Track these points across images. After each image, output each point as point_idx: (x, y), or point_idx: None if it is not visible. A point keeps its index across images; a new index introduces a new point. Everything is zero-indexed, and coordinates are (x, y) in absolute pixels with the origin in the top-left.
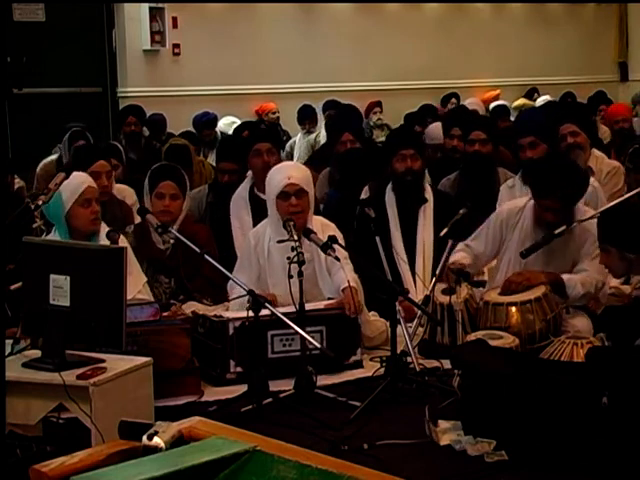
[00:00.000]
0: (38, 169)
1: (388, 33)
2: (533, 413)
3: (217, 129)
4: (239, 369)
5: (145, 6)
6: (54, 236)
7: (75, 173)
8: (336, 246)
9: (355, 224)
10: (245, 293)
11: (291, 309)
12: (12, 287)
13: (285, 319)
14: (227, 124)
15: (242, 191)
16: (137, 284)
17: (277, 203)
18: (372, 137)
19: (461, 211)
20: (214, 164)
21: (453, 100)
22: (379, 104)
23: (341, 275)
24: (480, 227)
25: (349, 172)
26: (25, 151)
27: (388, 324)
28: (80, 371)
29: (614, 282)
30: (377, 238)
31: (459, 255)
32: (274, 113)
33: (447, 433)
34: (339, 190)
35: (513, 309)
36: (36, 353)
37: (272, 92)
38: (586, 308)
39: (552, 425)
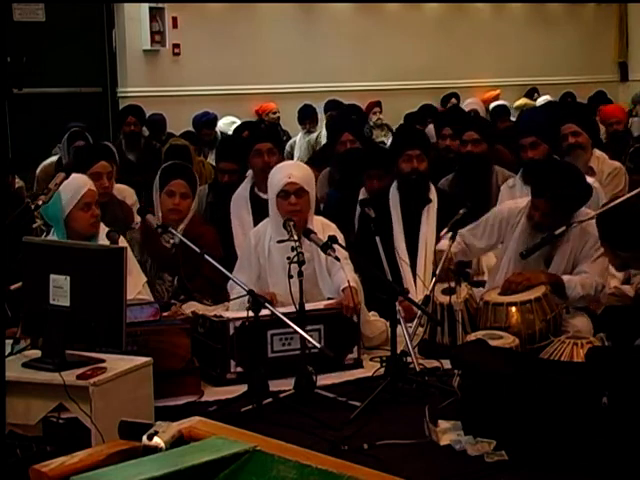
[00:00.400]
0: (38, 171)
1: (388, 33)
2: (533, 413)
3: (217, 129)
4: (239, 369)
5: (145, 6)
6: (53, 237)
7: (75, 175)
8: (336, 246)
9: (357, 224)
10: (245, 293)
11: (291, 309)
12: (12, 287)
13: (285, 319)
14: (227, 124)
15: (242, 191)
16: (137, 284)
17: (277, 202)
18: (372, 137)
19: (461, 211)
20: (214, 164)
21: (453, 100)
22: (379, 104)
23: (341, 275)
24: (478, 220)
25: (349, 172)
26: (25, 151)
27: (388, 324)
28: (80, 371)
29: (614, 282)
30: (377, 238)
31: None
32: (274, 113)
33: (447, 433)
34: (339, 190)
35: (513, 309)
36: (36, 353)
37: (272, 92)
38: (586, 308)
39: (552, 425)
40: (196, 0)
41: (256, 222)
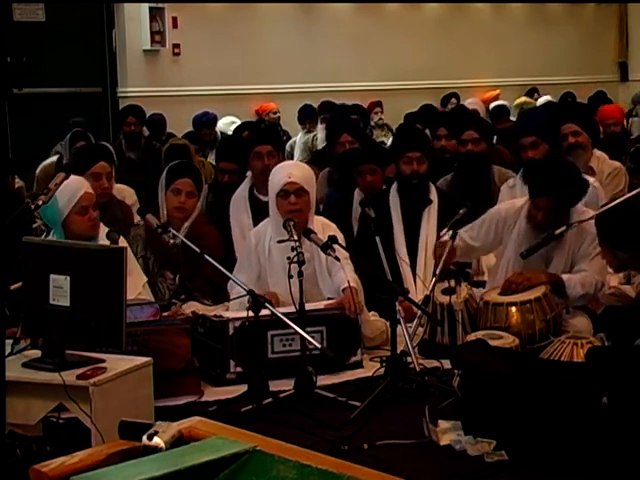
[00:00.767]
0: (38, 171)
1: (388, 33)
2: (533, 413)
3: (217, 129)
4: (239, 369)
5: (145, 6)
6: (53, 237)
7: (71, 178)
8: (336, 246)
9: (357, 224)
10: (245, 293)
11: (291, 309)
12: (12, 287)
13: (285, 319)
14: (227, 124)
15: (242, 192)
16: (137, 285)
17: (277, 202)
18: (372, 137)
19: (461, 211)
20: (214, 164)
21: (453, 100)
22: (379, 104)
23: (341, 275)
24: (475, 221)
25: (348, 172)
26: (25, 151)
27: (388, 324)
28: (80, 371)
29: (614, 282)
30: (377, 238)
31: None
32: (274, 113)
33: (447, 433)
34: (338, 190)
35: (513, 309)
36: (36, 353)
37: (272, 92)
38: (586, 308)
39: (552, 425)
40: (196, 0)
41: (256, 224)
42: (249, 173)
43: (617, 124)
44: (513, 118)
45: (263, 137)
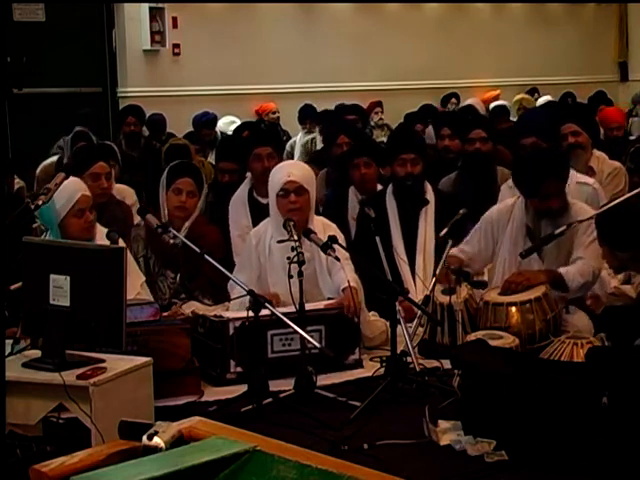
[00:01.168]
0: (38, 171)
1: (388, 33)
2: (533, 413)
3: (217, 129)
4: (239, 369)
5: (145, 6)
6: (49, 238)
7: (69, 180)
8: (336, 246)
9: (356, 224)
10: (245, 293)
11: (291, 309)
12: (12, 287)
13: (285, 319)
14: (226, 123)
15: (241, 193)
16: (135, 285)
17: (277, 201)
18: (372, 137)
19: (461, 211)
20: (214, 164)
21: (453, 100)
22: (380, 104)
23: (341, 275)
24: (472, 230)
25: (345, 172)
26: (25, 151)
27: (388, 324)
28: (80, 371)
29: (614, 282)
30: (377, 238)
31: (454, 259)
32: (274, 113)
33: (447, 433)
34: (336, 189)
35: (513, 309)
36: (36, 353)
37: (272, 92)
38: (586, 308)
39: (552, 425)
40: (196, 0)
41: (255, 226)
42: (249, 174)
43: (620, 128)
44: (513, 118)
45: (263, 138)
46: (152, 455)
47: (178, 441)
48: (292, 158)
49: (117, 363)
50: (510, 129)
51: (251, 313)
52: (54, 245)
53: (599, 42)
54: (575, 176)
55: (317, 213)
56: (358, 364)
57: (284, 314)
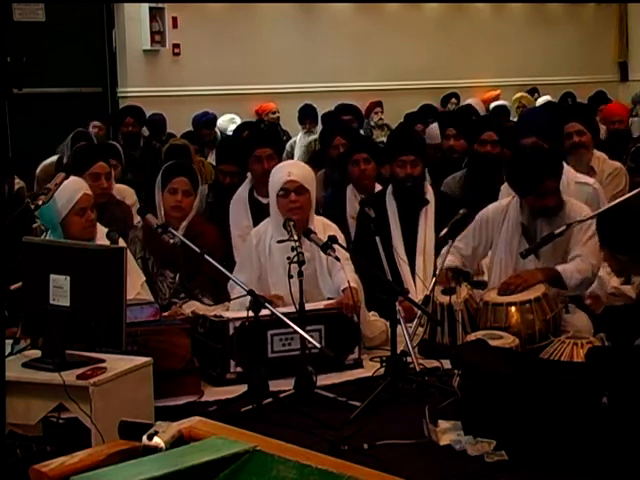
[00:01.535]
0: (38, 171)
1: (388, 33)
2: (533, 413)
3: (217, 128)
4: (239, 369)
5: (145, 6)
6: (50, 238)
7: (71, 179)
8: (336, 246)
9: (357, 223)
10: (245, 293)
11: (291, 309)
12: (12, 287)
13: (285, 319)
14: (226, 121)
15: (242, 193)
16: (135, 285)
17: (277, 201)
18: (372, 137)
19: (461, 211)
20: (214, 163)
21: (453, 100)
22: (380, 104)
23: (341, 275)
24: (466, 229)
25: (344, 172)
26: (25, 151)
27: (388, 324)
28: (80, 371)
29: (614, 282)
30: (377, 238)
31: (448, 259)
32: (274, 113)
33: (447, 433)
34: (335, 189)
35: (513, 309)
36: (36, 353)
37: (272, 92)
38: (586, 308)
39: (552, 425)
40: (196, 0)
41: (255, 226)
42: (249, 174)
43: (622, 121)
44: (513, 118)
45: (263, 139)
46: (152, 455)
47: (178, 441)
48: (292, 158)
49: (117, 363)
50: (510, 129)
51: (251, 313)
52: (54, 245)
53: (599, 42)
54: (575, 176)
55: (317, 214)
56: (358, 364)
57: (284, 314)
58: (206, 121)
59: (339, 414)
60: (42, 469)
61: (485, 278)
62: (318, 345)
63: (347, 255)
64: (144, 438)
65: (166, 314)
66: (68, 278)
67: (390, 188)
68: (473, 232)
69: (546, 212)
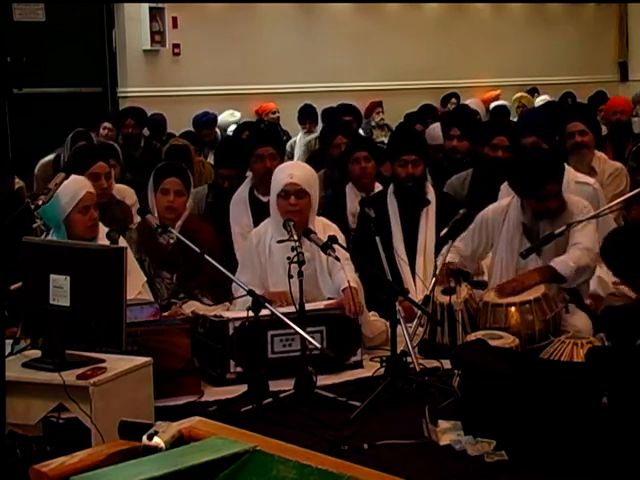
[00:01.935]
0: (36, 170)
1: (388, 33)
2: (533, 413)
3: (217, 126)
4: (239, 369)
5: (145, 6)
6: (53, 237)
7: (73, 178)
8: (337, 246)
9: (357, 223)
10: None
11: (291, 309)
12: (12, 287)
13: (285, 319)
14: (226, 115)
15: (242, 192)
16: (136, 285)
17: (278, 202)
18: (372, 137)
19: (461, 211)
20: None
21: (453, 100)
22: (380, 104)
23: (341, 276)
24: (467, 229)
25: (344, 171)
26: (25, 151)
27: (388, 324)
28: (80, 371)
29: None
30: (377, 238)
31: (448, 257)
32: (274, 113)
33: (447, 433)
34: (335, 189)
35: (512, 309)
36: (36, 353)
37: (272, 92)
38: (586, 308)
39: (552, 425)
40: (196, 0)
41: (256, 225)
42: (249, 173)
43: (624, 113)
44: (513, 118)
45: (264, 139)
46: (152, 455)
47: (178, 441)
48: (292, 158)
49: (117, 363)
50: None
51: (251, 313)
52: (54, 245)
53: (599, 42)
54: (575, 176)
55: (317, 214)
56: (358, 364)
57: (284, 314)
58: (206, 121)
59: (339, 414)
60: (42, 469)
61: (485, 278)
62: (318, 345)
63: (347, 255)
64: (144, 438)
65: (166, 314)
66: (68, 278)
67: (391, 188)
68: (473, 233)
69: (548, 214)
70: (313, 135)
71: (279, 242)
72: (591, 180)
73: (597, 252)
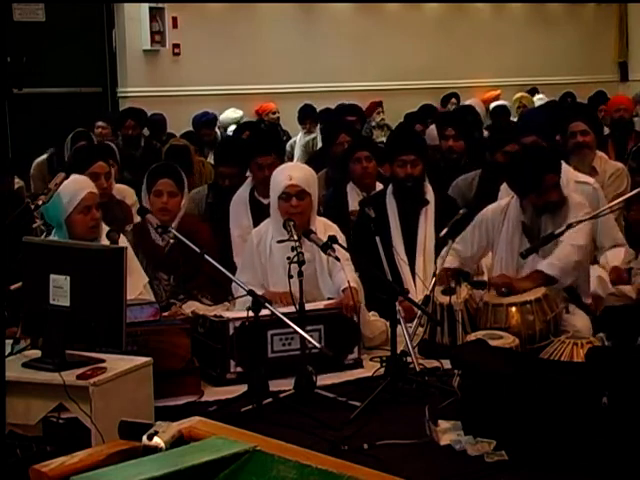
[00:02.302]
0: (32, 169)
1: (388, 33)
2: (533, 413)
3: (219, 122)
4: (239, 369)
5: (145, 6)
6: (54, 237)
7: (76, 178)
8: (337, 246)
9: (356, 223)
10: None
11: (291, 309)
12: (12, 287)
13: (285, 319)
14: (230, 112)
15: (242, 193)
16: (138, 285)
17: (278, 204)
18: (372, 137)
19: (461, 211)
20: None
21: (453, 100)
22: (380, 104)
23: (341, 276)
24: (466, 230)
25: (345, 170)
26: (25, 151)
27: (388, 324)
28: (80, 371)
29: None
30: (377, 238)
31: (447, 260)
32: (274, 113)
33: (447, 433)
34: (336, 189)
35: (513, 310)
36: (36, 353)
37: (272, 92)
38: (586, 308)
39: (552, 425)
40: (196, 0)
41: (256, 227)
42: (249, 174)
43: (627, 110)
44: (514, 118)
45: (265, 147)
46: (152, 455)
47: (178, 441)
48: (292, 158)
49: (117, 363)
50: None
51: (251, 313)
52: (54, 245)
53: (599, 42)
54: (575, 175)
55: (317, 214)
56: (358, 364)
57: (284, 314)
58: (206, 121)
59: (339, 414)
60: (42, 469)
61: (485, 278)
62: (318, 345)
63: (347, 255)
64: (144, 438)
65: (166, 314)
66: (68, 278)
67: (390, 188)
68: (472, 233)
69: (549, 208)
70: (311, 136)
71: (279, 242)
72: (591, 180)
73: (588, 249)
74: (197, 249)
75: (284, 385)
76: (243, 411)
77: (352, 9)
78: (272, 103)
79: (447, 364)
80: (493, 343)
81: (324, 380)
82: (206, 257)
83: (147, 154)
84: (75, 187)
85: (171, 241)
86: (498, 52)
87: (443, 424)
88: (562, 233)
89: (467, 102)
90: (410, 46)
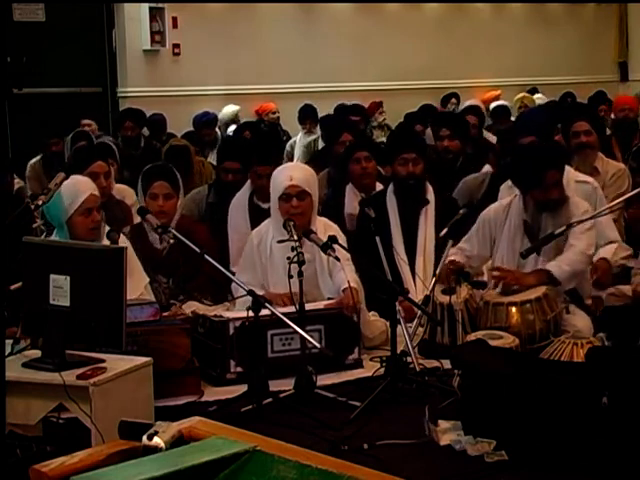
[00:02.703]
0: (27, 171)
1: (388, 33)
2: (533, 413)
3: (218, 124)
4: (239, 369)
5: (145, 6)
6: (55, 237)
7: (78, 179)
8: (337, 247)
9: (357, 223)
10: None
11: (291, 309)
12: (12, 287)
13: (285, 319)
14: (227, 108)
15: (242, 197)
16: (139, 285)
17: (279, 204)
18: (372, 137)
19: (461, 211)
20: (214, 164)
21: (453, 100)
22: (381, 104)
23: (342, 276)
24: (470, 229)
25: (346, 170)
26: (25, 151)
27: (388, 324)
28: (80, 371)
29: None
30: (377, 238)
31: (451, 255)
32: (274, 113)
33: (447, 433)
34: (337, 188)
35: (513, 309)
36: (36, 353)
37: (272, 92)
38: (586, 308)
39: (552, 425)
40: (196, 0)
41: None
42: (249, 176)
43: (632, 110)
44: (514, 118)
45: (265, 157)
46: (152, 455)
47: (178, 441)
48: (292, 158)
49: (117, 363)
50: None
51: (251, 313)
52: (54, 245)
53: (599, 42)
54: (575, 175)
55: (317, 214)
56: (358, 364)
57: (284, 314)
58: (206, 121)
59: (339, 414)
60: (42, 469)
61: (485, 278)
62: (318, 345)
63: (347, 255)
64: (144, 438)
65: (166, 314)
66: (68, 278)
67: (391, 187)
68: (477, 233)
69: (550, 205)
70: (313, 136)
71: (279, 242)
72: (590, 179)
73: (591, 256)
74: (197, 249)
75: (284, 385)
76: (243, 411)
77: (352, 9)
78: (272, 103)
79: (447, 364)
80: (493, 343)
81: (324, 380)
82: (206, 257)
83: (147, 154)
84: (77, 189)
85: (171, 241)
86: (498, 52)
87: (443, 424)
88: (562, 233)
89: (467, 102)
90: (410, 46)
